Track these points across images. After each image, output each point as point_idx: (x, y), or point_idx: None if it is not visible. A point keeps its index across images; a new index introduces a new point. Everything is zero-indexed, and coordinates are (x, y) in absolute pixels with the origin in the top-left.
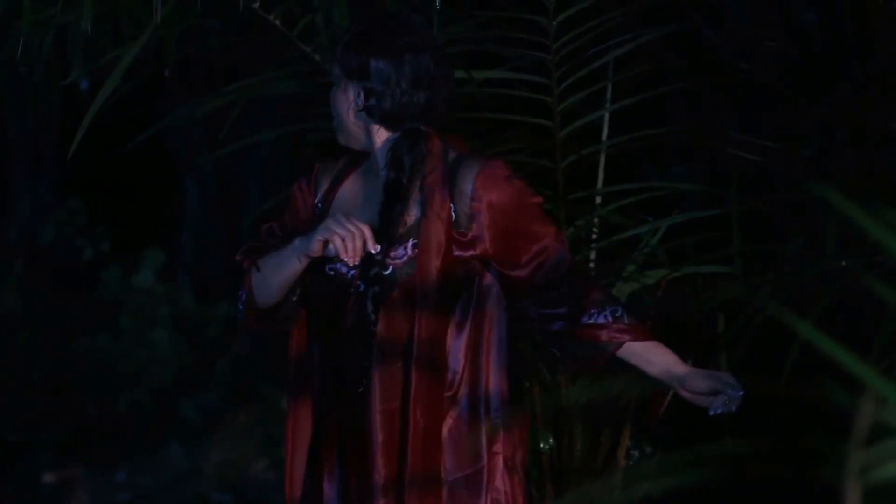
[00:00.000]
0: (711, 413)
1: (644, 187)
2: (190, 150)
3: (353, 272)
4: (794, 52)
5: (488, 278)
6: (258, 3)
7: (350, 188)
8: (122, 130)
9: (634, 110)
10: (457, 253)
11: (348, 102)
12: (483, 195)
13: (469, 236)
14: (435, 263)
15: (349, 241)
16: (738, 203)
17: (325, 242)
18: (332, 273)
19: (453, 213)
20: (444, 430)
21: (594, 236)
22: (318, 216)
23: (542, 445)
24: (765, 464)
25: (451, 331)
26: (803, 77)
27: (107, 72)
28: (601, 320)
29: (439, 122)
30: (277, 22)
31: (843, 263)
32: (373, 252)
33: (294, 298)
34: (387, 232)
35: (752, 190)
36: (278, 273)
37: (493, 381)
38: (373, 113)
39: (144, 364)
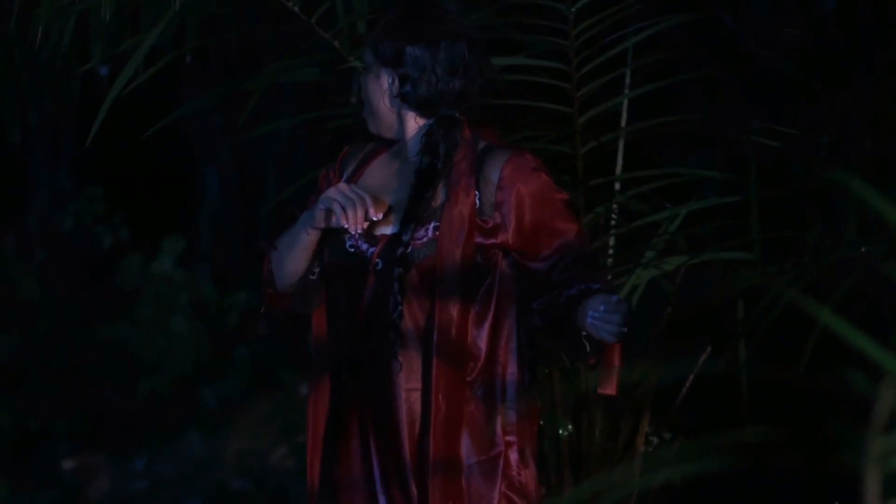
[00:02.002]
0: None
1: (663, 174)
2: (209, 138)
3: (372, 249)
4: (812, 39)
5: (507, 267)
6: None
7: (377, 170)
8: (141, 118)
9: (653, 97)
10: (478, 240)
11: (382, 89)
12: (509, 185)
13: (491, 224)
14: (456, 247)
15: (349, 208)
16: (757, 190)
17: (329, 212)
18: (352, 250)
19: (478, 201)
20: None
21: (613, 223)
22: None
23: (561, 432)
24: (784, 451)
25: (472, 318)
26: (822, 65)
27: (126, 59)
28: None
29: (472, 110)
30: (296, 9)
31: (863, 250)
32: (374, 220)
33: (313, 277)
34: (415, 215)
35: (772, 177)
36: (291, 249)
37: (510, 369)
38: (408, 99)
39: (164, 352)
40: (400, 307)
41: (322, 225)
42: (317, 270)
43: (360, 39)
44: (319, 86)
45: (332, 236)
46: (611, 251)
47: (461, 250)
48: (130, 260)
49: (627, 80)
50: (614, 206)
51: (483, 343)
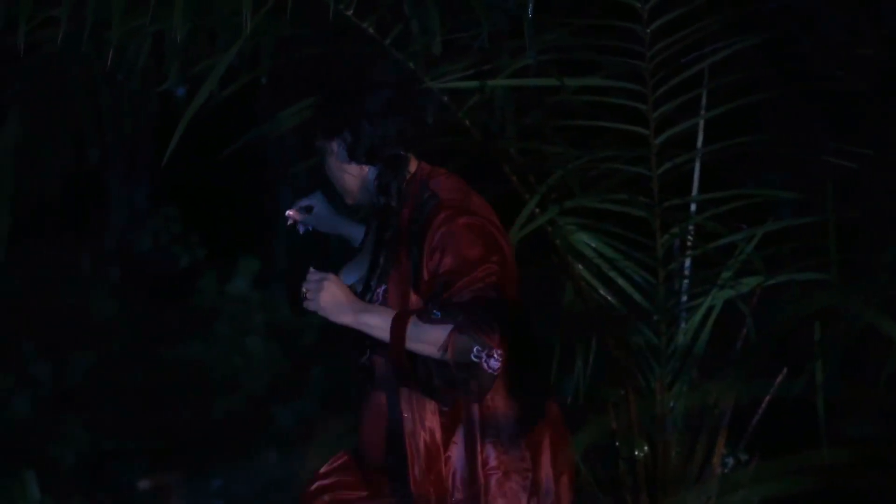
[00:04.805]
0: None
1: (739, 195)
2: (285, 158)
3: None
4: (887, 58)
5: None
6: (352, 11)
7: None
8: (217, 138)
9: (729, 118)
10: (417, 299)
11: (336, 159)
12: (437, 248)
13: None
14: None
15: None
16: (833, 211)
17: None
18: None
19: (413, 268)
20: (446, 453)
21: (689, 244)
22: None
23: (637, 453)
24: (862, 472)
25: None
26: None
27: (203, 79)
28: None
29: (415, 146)
30: (371, 30)
31: None
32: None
33: None
34: (376, 261)
35: (848, 197)
36: None
37: (493, 403)
38: (356, 155)
39: (240, 371)
40: (367, 354)
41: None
42: None
43: (434, 60)
44: None
45: None
46: (687, 272)
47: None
48: (207, 279)
49: (703, 101)
50: (690, 227)
51: None
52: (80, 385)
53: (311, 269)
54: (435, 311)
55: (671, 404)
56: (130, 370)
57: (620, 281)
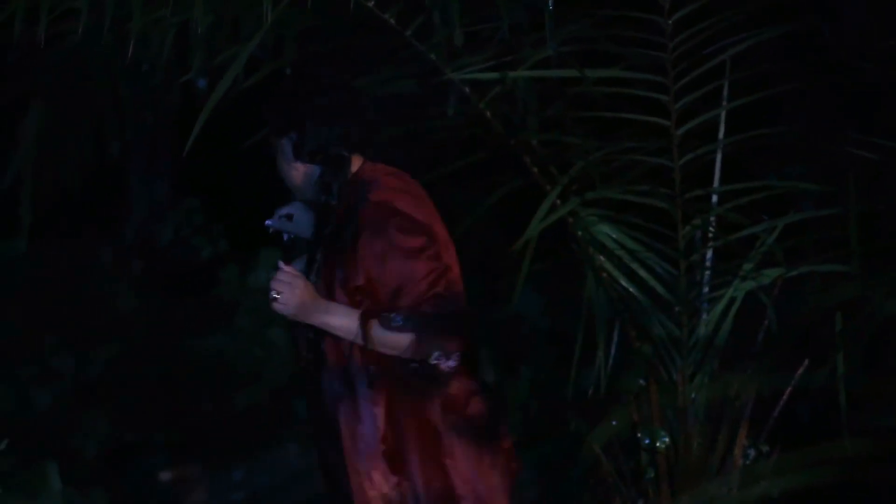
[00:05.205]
0: None
1: (761, 186)
2: None
3: None
4: None
5: None
6: (373, 2)
7: None
8: (238, 130)
9: (751, 109)
10: (344, 299)
11: (285, 157)
12: (364, 246)
13: (353, 286)
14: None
15: None
16: (855, 202)
17: None
18: None
19: (344, 266)
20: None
21: (711, 235)
22: None
23: (658, 444)
24: (883, 463)
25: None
26: None
27: (224, 71)
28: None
29: (360, 147)
30: (393, 21)
31: None
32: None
33: None
34: (314, 256)
35: (870, 189)
36: None
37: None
38: (301, 154)
39: (261, 363)
40: (308, 345)
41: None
42: None
43: (456, 52)
44: (416, 97)
45: None
46: (708, 263)
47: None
48: (228, 271)
49: (725, 92)
50: (712, 218)
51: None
52: (102, 377)
53: (282, 267)
54: (396, 317)
55: (693, 396)
56: (152, 362)
57: (642, 272)
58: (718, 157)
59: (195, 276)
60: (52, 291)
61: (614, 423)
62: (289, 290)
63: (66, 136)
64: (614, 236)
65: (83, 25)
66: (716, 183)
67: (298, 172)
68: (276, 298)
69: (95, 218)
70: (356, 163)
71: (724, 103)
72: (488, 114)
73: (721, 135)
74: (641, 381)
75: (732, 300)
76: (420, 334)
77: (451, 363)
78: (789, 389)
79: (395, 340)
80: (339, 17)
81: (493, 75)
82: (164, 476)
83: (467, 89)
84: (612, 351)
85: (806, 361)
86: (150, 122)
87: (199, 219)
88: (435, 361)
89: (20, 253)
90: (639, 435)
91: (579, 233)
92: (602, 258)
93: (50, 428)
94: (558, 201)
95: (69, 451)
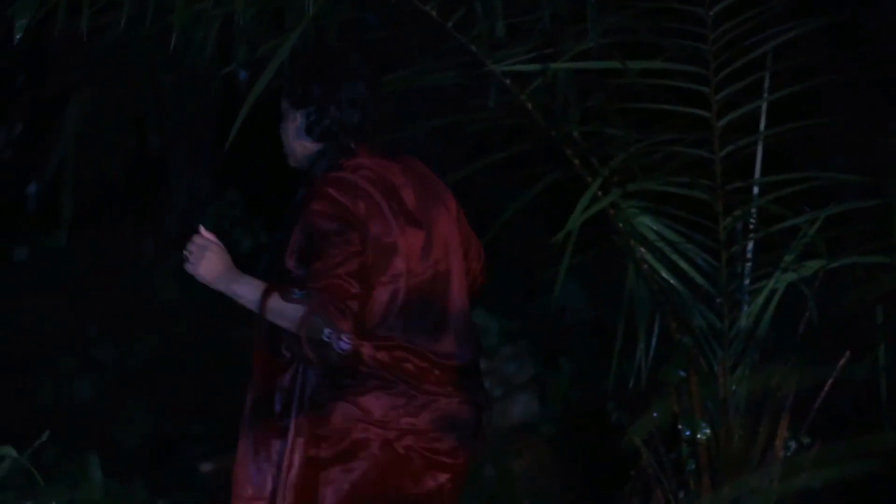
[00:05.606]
0: None
1: (802, 178)
2: None
3: None
4: None
5: None
6: None
7: None
8: (279, 122)
9: (792, 100)
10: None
11: (294, 127)
12: (299, 231)
13: (290, 260)
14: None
15: None
16: None
17: None
18: None
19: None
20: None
21: (752, 227)
22: None
23: (698, 436)
24: None
25: None
26: None
27: (266, 63)
28: None
29: (370, 140)
30: (434, 13)
31: None
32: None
33: None
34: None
35: None
36: None
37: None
38: (313, 132)
39: None
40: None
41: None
42: None
43: (497, 43)
44: (457, 89)
45: None
46: (749, 255)
47: None
48: None
49: (766, 84)
50: (753, 210)
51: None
52: (143, 368)
53: (200, 232)
54: (296, 291)
55: (733, 387)
56: (193, 353)
57: (683, 264)
58: (759, 148)
59: (236, 267)
60: (94, 283)
61: (655, 414)
62: (199, 253)
63: (107, 129)
64: (655, 228)
65: (125, 18)
66: (757, 174)
67: (302, 145)
68: (187, 260)
69: (136, 210)
70: (359, 148)
71: (766, 94)
72: (529, 105)
73: (762, 126)
74: (682, 373)
75: (773, 292)
76: (311, 308)
77: (344, 345)
78: (830, 381)
79: (289, 312)
80: (380, 9)
81: (535, 67)
82: (205, 467)
83: (508, 81)
84: (653, 343)
85: (847, 353)
86: (192, 114)
87: (239, 211)
88: (327, 339)
89: (62, 245)
90: (679, 427)
91: (620, 224)
92: (643, 250)
93: (91, 419)
94: (599, 193)
95: (110, 443)
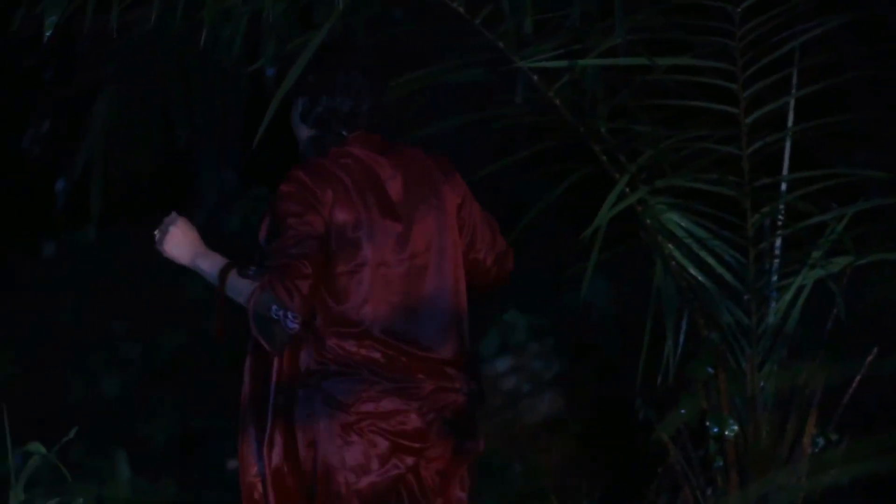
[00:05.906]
0: None
1: (830, 174)
2: None
3: None
4: None
5: None
6: None
7: None
8: None
9: (820, 97)
10: None
11: (296, 115)
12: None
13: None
14: None
15: None
16: None
17: None
18: None
19: None
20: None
21: (780, 223)
22: None
23: (726, 433)
24: None
25: None
26: None
27: (294, 59)
28: None
29: (368, 128)
30: (461, 9)
31: None
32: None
33: None
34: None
35: None
36: None
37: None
38: (307, 118)
39: None
40: None
41: None
42: None
43: (525, 40)
44: (484, 86)
45: None
46: (777, 252)
47: None
48: None
49: (794, 80)
50: (781, 206)
51: None
52: (171, 364)
53: (172, 214)
54: (252, 268)
55: (761, 384)
56: (220, 349)
57: (711, 260)
58: (787, 144)
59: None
60: (121, 279)
61: (683, 411)
62: (165, 230)
63: (135, 126)
64: (683, 224)
65: (155, 14)
66: (785, 171)
67: (301, 131)
68: (155, 237)
69: (164, 206)
70: (352, 137)
71: (793, 91)
72: (557, 102)
73: (790, 123)
74: (710, 370)
75: (801, 288)
76: (262, 284)
77: (292, 324)
78: (858, 378)
79: (242, 287)
80: (408, 5)
81: (562, 63)
82: (233, 464)
83: (536, 77)
84: (681, 339)
85: (875, 350)
86: (219, 110)
87: (266, 207)
88: (275, 317)
89: (90, 241)
90: (707, 423)
91: (648, 221)
92: (671, 246)
93: (119, 416)
94: (627, 189)
95: (138, 440)
